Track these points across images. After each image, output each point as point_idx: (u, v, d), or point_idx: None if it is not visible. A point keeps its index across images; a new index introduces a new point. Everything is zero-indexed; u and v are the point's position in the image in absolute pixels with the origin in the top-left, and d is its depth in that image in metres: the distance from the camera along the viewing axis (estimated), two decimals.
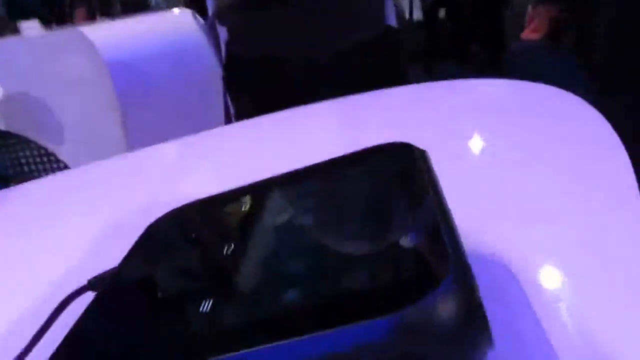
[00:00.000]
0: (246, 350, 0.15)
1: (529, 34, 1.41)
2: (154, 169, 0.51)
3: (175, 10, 1.80)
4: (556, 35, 2.51)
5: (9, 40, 1.73)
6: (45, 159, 1.61)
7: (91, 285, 0.27)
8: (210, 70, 1.71)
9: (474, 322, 0.15)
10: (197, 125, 0.62)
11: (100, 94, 1.49)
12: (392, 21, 0.98)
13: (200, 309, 0.18)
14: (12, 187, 0.53)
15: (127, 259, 0.25)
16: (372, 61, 0.94)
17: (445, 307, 0.15)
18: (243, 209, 0.25)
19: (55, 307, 0.26)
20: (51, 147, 1.55)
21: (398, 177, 0.22)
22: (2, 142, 1.67)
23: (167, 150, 0.55)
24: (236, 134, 0.56)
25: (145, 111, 1.46)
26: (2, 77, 1.53)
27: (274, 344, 0.15)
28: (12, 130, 1.65)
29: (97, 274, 0.28)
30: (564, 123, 0.42)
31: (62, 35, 1.61)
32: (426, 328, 0.15)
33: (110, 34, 1.56)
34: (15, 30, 1.93)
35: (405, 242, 0.18)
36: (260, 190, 0.25)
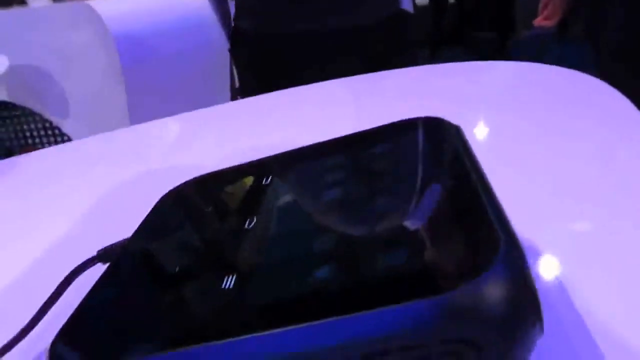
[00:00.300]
0: (276, 330, 0.14)
1: (542, 22, 1.38)
2: (161, 142, 0.49)
3: None
4: (567, 22, 2.48)
5: (16, 11, 1.71)
6: (49, 131, 1.61)
7: (100, 256, 0.26)
8: (217, 46, 1.68)
9: (526, 307, 0.14)
10: (202, 101, 0.60)
11: (106, 67, 1.47)
12: (407, 5, 0.96)
13: (223, 285, 0.17)
14: (17, 156, 0.52)
15: (139, 230, 0.24)
16: (383, 43, 0.92)
17: (496, 291, 0.14)
18: (264, 182, 0.23)
19: (63, 278, 0.25)
20: (55, 120, 1.54)
21: (433, 151, 0.21)
22: (6, 114, 1.67)
23: (174, 125, 0.53)
24: (244, 110, 0.55)
25: (151, 86, 1.45)
26: (8, 48, 1.52)
27: (306, 324, 0.14)
28: (16, 102, 1.64)
29: (106, 245, 0.26)
30: (587, 104, 0.40)
31: (69, 7, 1.58)
32: (475, 313, 0.13)
33: (117, 8, 1.54)
34: (22, 1, 1.91)
35: (447, 219, 0.17)
36: (282, 163, 0.24)
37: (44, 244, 0.34)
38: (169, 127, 0.53)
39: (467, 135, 0.22)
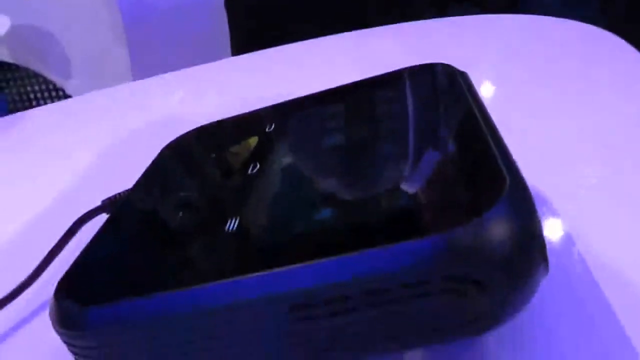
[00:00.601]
0: (280, 269, 0.14)
1: None
2: (163, 97, 0.49)
3: None
4: None
5: None
6: (53, 93, 1.60)
7: (104, 207, 0.26)
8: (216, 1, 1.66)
9: (531, 247, 0.14)
10: (204, 56, 0.60)
11: (108, 26, 1.46)
12: None
13: (226, 228, 0.17)
14: (19, 113, 0.52)
15: (141, 179, 0.24)
16: None
17: (501, 229, 0.13)
18: (267, 130, 0.23)
19: (67, 228, 0.25)
20: (59, 81, 1.53)
21: (439, 95, 0.21)
22: (10, 76, 1.66)
23: (176, 79, 0.53)
24: (246, 65, 0.54)
25: (153, 43, 1.44)
26: (9, 8, 1.50)
27: (309, 262, 0.14)
28: (19, 63, 1.63)
29: (110, 196, 0.26)
30: (596, 56, 0.39)
31: None
32: (479, 251, 0.13)
33: None
34: None
35: (453, 161, 0.16)
36: (284, 111, 0.24)
37: (49, 196, 0.34)
38: (170, 82, 0.52)
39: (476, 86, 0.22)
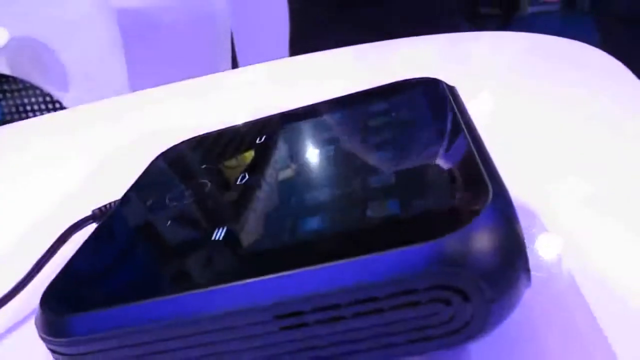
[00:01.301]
0: (265, 277, 0.14)
1: None
2: (159, 108, 0.49)
3: None
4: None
5: None
6: (50, 105, 1.60)
7: (95, 216, 0.26)
8: (218, 16, 1.67)
9: (514, 256, 0.14)
10: (203, 71, 0.60)
11: (106, 39, 1.46)
12: None
13: (213, 237, 0.17)
14: (14, 123, 0.52)
15: (132, 188, 0.24)
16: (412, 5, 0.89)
17: (483, 239, 0.13)
18: (258, 141, 0.23)
19: (57, 237, 0.25)
20: (56, 93, 1.54)
21: (426, 108, 0.21)
22: (7, 88, 1.66)
23: (170, 91, 0.53)
24: (243, 79, 0.54)
25: (151, 58, 1.44)
26: (8, 20, 1.50)
27: (296, 270, 0.14)
28: (17, 75, 1.63)
29: (100, 205, 0.26)
30: (588, 74, 0.40)
31: None
32: (462, 260, 0.13)
33: None
34: None
35: (438, 171, 0.17)
36: (276, 122, 0.24)
37: (41, 205, 0.34)
38: (167, 94, 0.53)
39: (468, 100, 0.22)
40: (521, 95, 0.37)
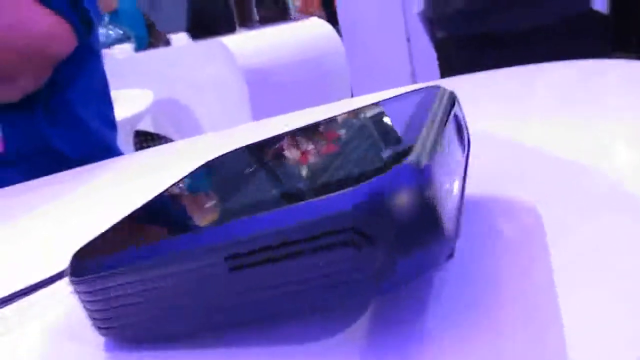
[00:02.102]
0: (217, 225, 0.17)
1: None
2: None
3: (310, 19, 1.87)
4: None
5: (160, 50, 1.90)
6: None
7: None
8: (341, 77, 1.76)
9: (424, 216, 0.15)
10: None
11: (236, 98, 1.58)
12: (600, 5, 0.89)
13: (206, 206, 0.21)
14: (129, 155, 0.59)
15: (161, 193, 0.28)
16: (571, 41, 0.88)
17: (395, 192, 0.15)
18: (266, 151, 0.27)
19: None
20: None
21: (411, 110, 0.23)
22: (151, 144, 1.85)
23: None
24: None
25: (273, 111, 1.54)
26: (154, 83, 1.68)
27: (256, 215, 0.17)
28: (158, 132, 1.82)
29: None
30: None
31: (205, 44, 1.74)
32: (371, 208, 0.15)
33: (245, 43, 1.65)
34: (167, 43, 2.11)
35: (385, 152, 0.19)
36: (285, 138, 0.27)
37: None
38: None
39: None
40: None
